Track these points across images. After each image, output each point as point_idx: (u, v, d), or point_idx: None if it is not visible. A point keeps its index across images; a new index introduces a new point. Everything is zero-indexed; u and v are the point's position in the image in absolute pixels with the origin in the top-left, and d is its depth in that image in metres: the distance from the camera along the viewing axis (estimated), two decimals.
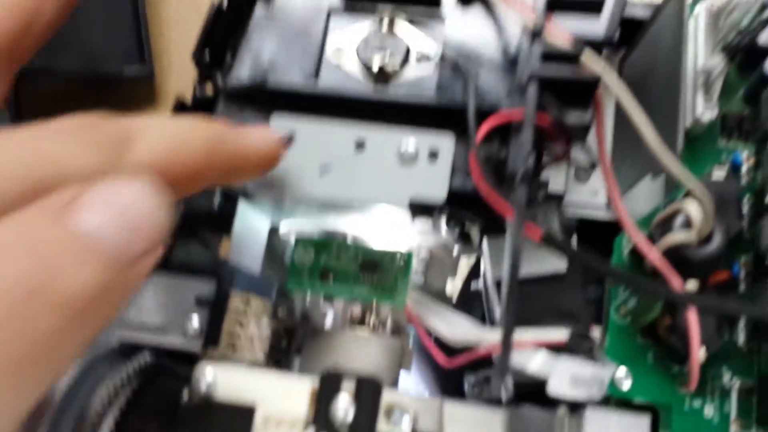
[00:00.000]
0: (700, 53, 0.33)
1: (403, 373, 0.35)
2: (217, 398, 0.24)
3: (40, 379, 0.16)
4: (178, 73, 0.53)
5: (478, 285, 0.40)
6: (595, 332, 0.30)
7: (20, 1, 0.23)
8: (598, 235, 0.35)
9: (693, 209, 0.29)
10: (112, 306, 0.17)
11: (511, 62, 0.30)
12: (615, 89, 0.27)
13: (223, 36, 0.36)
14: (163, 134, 0.21)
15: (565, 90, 0.26)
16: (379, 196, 0.28)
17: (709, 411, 0.30)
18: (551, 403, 0.27)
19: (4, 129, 0.18)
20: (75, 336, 0.16)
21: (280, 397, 0.24)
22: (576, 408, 0.27)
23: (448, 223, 0.32)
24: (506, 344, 0.22)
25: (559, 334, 0.27)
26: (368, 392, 0.24)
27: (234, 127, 0.24)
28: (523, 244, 0.24)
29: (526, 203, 0.24)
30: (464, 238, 0.34)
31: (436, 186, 0.28)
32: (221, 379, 0.24)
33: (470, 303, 0.41)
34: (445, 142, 0.28)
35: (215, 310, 0.29)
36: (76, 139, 0.18)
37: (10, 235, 0.16)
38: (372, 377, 0.25)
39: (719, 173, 0.32)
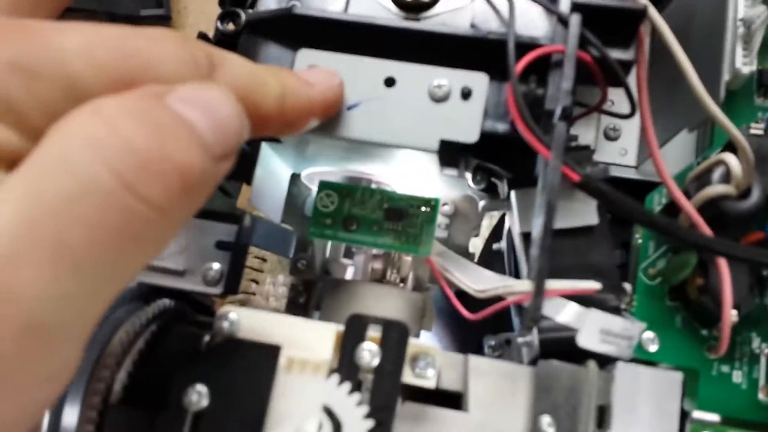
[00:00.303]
0: (741, 2, 0.32)
1: (423, 334, 0.34)
2: (242, 336, 0.23)
3: (138, 258, 0.17)
4: (195, 15, 0.52)
5: (500, 245, 0.39)
6: (627, 286, 0.29)
7: None
8: (627, 194, 0.34)
9: (733, 161, 0.28)
10: (202, 196, 0.18)
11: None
12: (659, 26, 0.26)
13: None
14: (242, 71, 0.21)
15: (609, 22, 0.25)
16: (409, 135, 0.27)
17: (737, 377, 0.30)
18: (578, 360, 0.26)
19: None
20: (174, 216, 0.16)
21: (304, 341, 0.24)
22: (604, 364, 0.26)
23: (474, 176, 0.31)
24: (539, 287, 0.22)
25: (591, 284, 0.26)
26: (395, 338, 0.24)
27: (304, 76, 0.25)
28: (560, 185, 0.23)
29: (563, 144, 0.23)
30: (490, 192, 0.33)
31: (468, 126, 0.27)
32: (245, 321, 0.24)
33: (491, 264, 0.40)
34: (479, 81, 0.27)
35: (236, 255, 0.28)
36: (174, 46, 0.18)
37: (121, 107, 0.16)
38: (399, 322, 0.24)
39: (757, 129, 0.31)
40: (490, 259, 0.40)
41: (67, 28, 0.17)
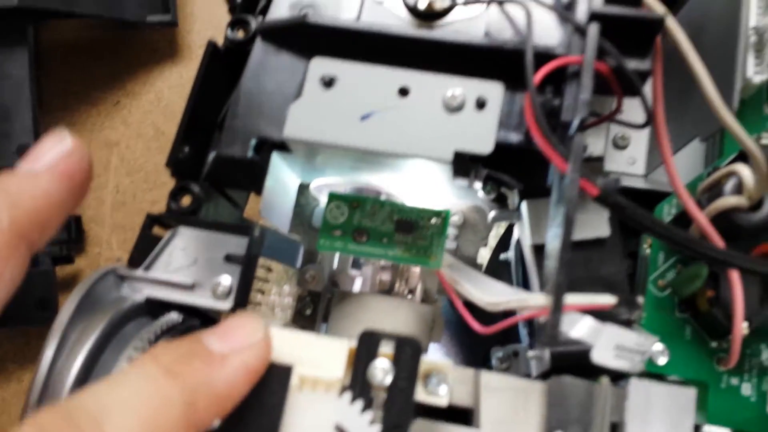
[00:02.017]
0: (753, 11, 0.32)
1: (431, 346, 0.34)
2: None
3: None
4: (202, 21, 0.52)
5: (507, 255, 0.39)
6: (639, 298, 0.29)
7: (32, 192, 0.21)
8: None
9: (746, 172, 0.28)
10: None
11: (566, 6, 0.28)
12: (676, 35, 0.26)
13: None
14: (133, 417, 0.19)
15: (627, 32, 0.25)
16: (423, 146, 0.26)
17: (747, 389, 0.29)
18: (587, 375, 0.26)
19: None
20: None
21: (316, 358, 0.23)
22: (615, 378, 0.26)
23: (484, 186, 0.31)
24: (557, 303, 0.21)
25: (607, 299, 0.25)
26: (408, 354, 0.23)
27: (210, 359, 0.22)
28: (577, 210, 0.22)
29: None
30: (500, 202, 0.33)
31: (482, 137, 0.26)
32: None
33: (498, 275, 0.40)
34: (493, 91, 0.27)
35: (246, 269, 0.28)
36: None
37: None
38: (412, 338, 0.24)
39: (766, 141, 0.31)
40: (497, 269, 0.40)
41: None
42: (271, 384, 0.22)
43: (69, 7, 0.45)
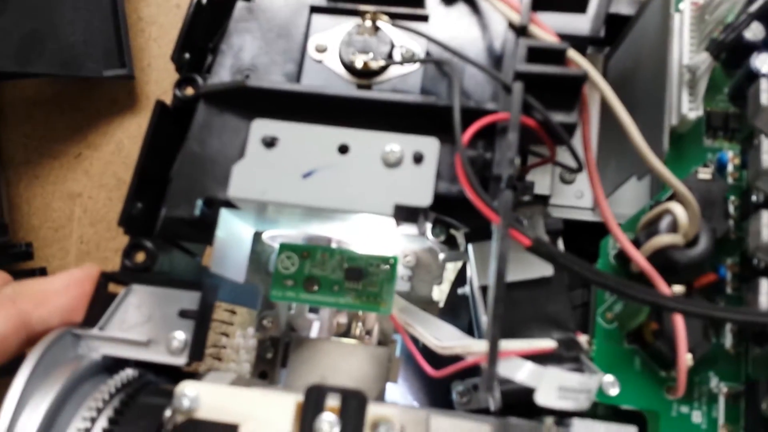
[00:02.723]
0: (686, 49, 0.33)
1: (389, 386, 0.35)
2: (200, 415, 0.24)
3: None
4: (158, 72, 0.53)
5: (465, 289, 0.40)
6: (582, 339, 0.30)
7: None
8: (583, 236, 0.35)
9: (679, 211, 0.29)
10: None
11: (495, 60, 0.29)
12: (601, 87, 0.27)
13: (202, 36, 0.35)
14: None
15: (552, 88, 0.26)
16: (364, 201, 0.27)
17: (697, 417, 0.30)
18: (540, 411, 0.26)
19: None
20: None
21: (264, 414, 0.24)
22: (563, 417, 0.27)
23: (433, 228, 0.32)
24: (492, 359, 0.22)
25: (546, 343, 0.26)
26: (353, 407, 0.24)
27: None
28: (509, 253, 0.23)
29: (512, 207, 0.24)
30: (450, 243, 0.33)
31: (421, 190, 0.27)
32: (204, 397, 0.24)
33: (457, 308, 0.40)
34: (430, 146, 0.27)
35: (199, 324, 0.29)
36: None
37: None
38: (357, 391, 0.24)
39: (705, 173, 0.32)
40: (456, 304, 0.40)
41: None
42: None
43: (24, 68, 0.46)
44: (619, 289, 0.24)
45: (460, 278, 0.42)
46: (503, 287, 0.23)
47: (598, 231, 0.34)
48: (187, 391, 0.24)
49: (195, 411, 0.24)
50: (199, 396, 0.24)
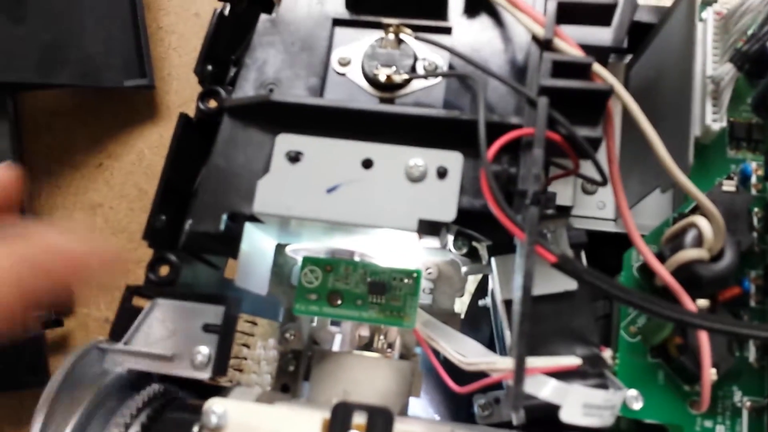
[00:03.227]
0: (709, 60, 0.33)
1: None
2: None
3: None
4: (179, 82, 0.53)
5: (486, 301, 0.40)
6: (606, 354, 0.29)
7: None
8: (605, 247, 0.35)
9: (704, 225, 0.29)
10: None
11: (519, 73, 0.29)
12: (626, 101, 0.26)
13: (225, 48, 0.35)
14: None
15: (577, 102, 0.26)
16: (388, 216, 0.27)
17: (721, 431, 0.30)
18: (564, 427, 0.26)
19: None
20: None
21: (291, 431, 0.24)
22: None
23: (455, 241, 0.32)
24: (519, 377, 0.22)
25: (572, 360, 0.26)
26: (380, 425, 0.24)
27: None
28: (534, 269, 0.23)
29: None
30: (472, 256, 0.33)
31: (445, 205, 0.27)
32: (232, 414, 0.24)
33: (478, 319, 0.40)
34: (454, 161, 0.27)
35: (223, 339, 0.29)
36: None
37: None
38: (383, 408, 0.24)
39: (729, 185, 0.32)
40: (476, 316, 0.40)
41: None
42: None
43: (46, 79, 0.46)
44: (645, 306, 0.24)
45: (481, 289, 0.42)
46: (529, 304, 0.23)
47: (619, 242, 0.34)
48: (215, 408, 0.24)
49: (223, 428, 0.24)
50: (227, 413, 0.24)
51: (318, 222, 0.28)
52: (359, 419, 0.24)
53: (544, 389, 0.25)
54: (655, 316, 0.26)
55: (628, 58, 0.39)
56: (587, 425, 0.25)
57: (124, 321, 0.30)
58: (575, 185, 0.37)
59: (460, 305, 0.38)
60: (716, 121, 0.32)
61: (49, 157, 0.52)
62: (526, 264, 0.23)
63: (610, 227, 0.37)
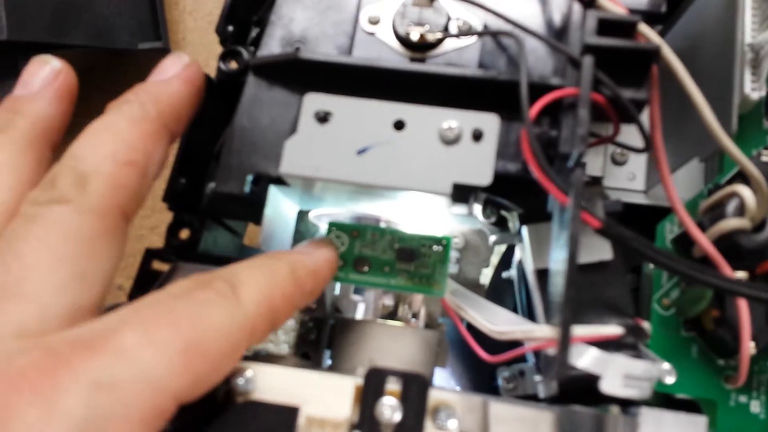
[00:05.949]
0: (748, 28, 0.32)
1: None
2: (257, 396, 0.23)
3: None
4: (194, 46, 0.51)
5: (510, 273, 0.39)
6: (645, 325, 0.29)
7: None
8: (633, 219, 0.34)
9: (747, 194, 0.28)
10: None
11: (558, 34, 0.28)
12: (673, 63, 0.25)
13: (246, 9, 0.34)
14: (258, 283, 0.23)
15: (622, 62, 0.25)
16: (422, 180, 0.26)
17: (756, 406, 0.29)
18: (597, 399, 0.26)
19: None
20: None
21: (322, 398, 0.23)
22: (625, 405, 0.26)
23: (484, 210, 0.31)
24: (564, 344, 0.21)
25: (614, 329, 0.25)
26: (415, 391, 0.23)
27: (305, 248, 0.27)
28: (580, 232, 0.22)
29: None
30: (501, 225, 0.32)
31: (480, 168, 0.26)
32: (261, 379, 0.23)
33: (501, 293, 0.40)
34: (490, 123, 0.26)
35: None
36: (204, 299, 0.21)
37: None
38: (419, 374, 0.23)
39: (766, 158, 0.31)
40: (500, 288, 0.39)
41: None
42: (279, 425, 0.22)
43: (59, 38, 0.45)
44: (694, 275, 0.23)
45: (504, 262, 0.41)
46: (575, 270, 0.22)
47: (651, 215, 0.33)
48: (245, 371, 0.23)
49: (251, 392, 0.23)
50: (256, 376, 0.23)
51: (347, 185, 0.27)
52: (393, 386, 0.23)
53: (584, 358, 0.24)
54: (704, 285, 0.25)
55: (659, 28, 0.38)
56: (626, 397, 0.25)
57: (144, 284, 0.29)
58: (605, 155, 0.36)
59: (483, 279, 0.37)
60: (755, 90, 0.31)
61: None
62: (571, 228, 0.22)
63: (639, 199, 0.36)
